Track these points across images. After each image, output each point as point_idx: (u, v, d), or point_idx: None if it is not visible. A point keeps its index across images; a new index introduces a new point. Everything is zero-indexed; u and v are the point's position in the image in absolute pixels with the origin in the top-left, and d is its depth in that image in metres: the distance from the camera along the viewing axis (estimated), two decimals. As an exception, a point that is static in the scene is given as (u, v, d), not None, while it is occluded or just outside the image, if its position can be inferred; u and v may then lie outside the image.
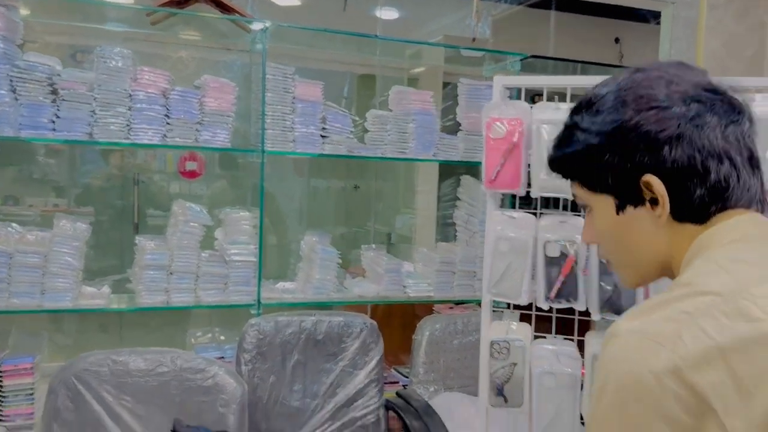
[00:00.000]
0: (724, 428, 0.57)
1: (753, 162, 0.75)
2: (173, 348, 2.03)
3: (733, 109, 0.74)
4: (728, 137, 0.72)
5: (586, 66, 4.26)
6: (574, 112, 0.82)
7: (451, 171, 3.52)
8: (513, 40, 4.54)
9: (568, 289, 1.75)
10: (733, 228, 0.72)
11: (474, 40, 3.71)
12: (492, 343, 1.77)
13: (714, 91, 0.74)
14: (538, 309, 1.83)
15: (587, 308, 1.77)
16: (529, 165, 1.82)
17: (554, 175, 1.73)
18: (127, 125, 2.33)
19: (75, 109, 2.27)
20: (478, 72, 3.11)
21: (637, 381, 0.60)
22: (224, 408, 1.88)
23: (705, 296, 0.62)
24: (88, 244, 2.42)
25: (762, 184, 0.76)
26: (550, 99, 1.84)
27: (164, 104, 2.37)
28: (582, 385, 1.73)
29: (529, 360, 1.74)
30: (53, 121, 2.26)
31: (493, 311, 1.95)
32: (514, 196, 1.99)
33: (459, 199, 2.96)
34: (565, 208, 1.97)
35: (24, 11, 2.68)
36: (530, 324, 1.85)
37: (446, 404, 2.49)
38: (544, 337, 1.85)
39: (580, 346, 1.84)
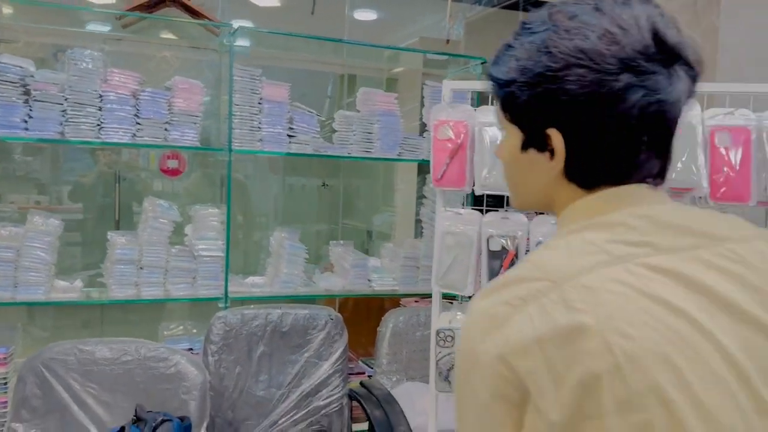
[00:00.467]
0: (538, 409, 0.62)
1: (662, 140, 0.73)
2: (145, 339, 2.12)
3: (668, 83, 0.70)
4: (645, 114, 0.69)
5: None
6: (515, 35, 0.78)
7: (421, 169, 3.62)
8: (486, 42, 4.64)
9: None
10: (606, 203, 0.73)
11: (448, 42, 3.81)
12: (438, 332, 1.87)
13: (656, 59, 0.69)
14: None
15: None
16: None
17: (495, 173, 1.84)
18: (98, 125, 2.42)
19: (47, 109, 2.36)
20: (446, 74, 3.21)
21: (475, 359, 0.66)
22: (186, 395, 1.98)
23: (540, 282, 0.65)
24: (65, 240, 2.51)
25: (665, 162, 0.75)
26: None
27: (134, 105, 2.46)
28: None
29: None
30: (26, 121, 2.34)
31: (447, 302, 2.06)
32: (477, 196, 2.09)
33: (425, 197, 3.07)
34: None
35: (6, 10, 2.77)
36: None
37: (407, 393, 2.60)
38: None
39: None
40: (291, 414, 2.48)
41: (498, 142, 1.91)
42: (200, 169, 3.75)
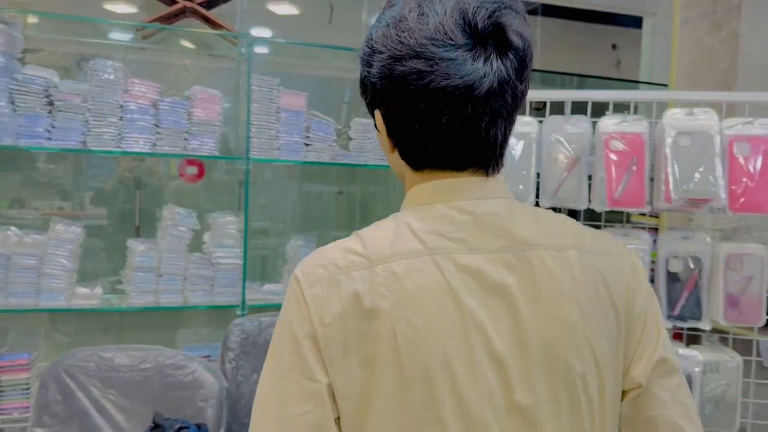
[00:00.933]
0: (327, 374, 0.70)
1: (469, 124, 0.72)
2: (163, 346, 2.14)
3: (470, 67, 0.70)
4: (436, 97, 0.70)
5: (577, 77, 4.34)
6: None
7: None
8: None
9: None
10: (435, 193, 0.76)
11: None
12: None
13: (455, 44, 0.70)
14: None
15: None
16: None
17: (511, 182, 1.84)
18: (119, 134, 2.46)
19: (70, 119, 2.40)
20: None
21: (285, 314, 0.74)
22: (203, 402, 2.00)
23: (358, 257, 0.72)
24: (86, 246, 2.55)
25: (489, 150, 0.75)
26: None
27: (154, 114, 2.50)
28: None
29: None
30: (49, 131, 2.39)
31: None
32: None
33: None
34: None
35: (32, 20, 2.83)
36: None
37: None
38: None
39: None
40: (307, 421, 2.49)
41: (512, 150, 1.92)
42: (219, 175, 3.79)
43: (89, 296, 2.53)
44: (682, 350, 1.76)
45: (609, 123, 1.76)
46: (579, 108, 1.87)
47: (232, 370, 2.40)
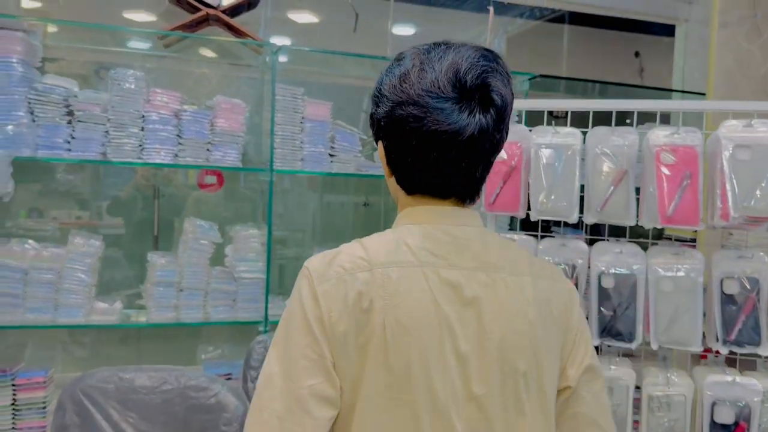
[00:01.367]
0: (333, 356, 0.84)
1: (453, 161, 0.89)
2: (184, 363, 2.06)
3: (457, 116, 0.86)
4: (426, 138, 0.87)
5: (599, 85, 4.23)
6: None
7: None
8: (529, 56, 4.54)
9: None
10: (426, 216, 0.93)
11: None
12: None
13: (447, 96, 0.86)
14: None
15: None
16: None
17: (553, 198, 1.74)
18: (140, 145, 2.39)
19: (90, 130, 2.34)
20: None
21: (295, 303, 0.87)
22: (227, 426, 1.90)
23: (362, 261, 0.87)
24: (105, 256, 2.48)
25: (472, 183, 0.93)
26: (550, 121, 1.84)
27: (176, 125, 2.43)
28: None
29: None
30: (69, 142, 2.33)
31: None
32: (514, 219, 1.99)
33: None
34: (583, 228, 1.96)
35: (51, 29, 2.77)
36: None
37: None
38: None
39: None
40: (332, 443, 2.39)
41: (554, 163, 1.82)
42: (239, 185, 3.72)
43: (108, 311, 2.46)
44: (739, 378, 1.64)
45: (660, 135, 1.66)
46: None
47: (254, 390, 2.31)
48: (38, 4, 3.18)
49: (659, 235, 2.19)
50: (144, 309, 2.53)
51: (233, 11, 2.67)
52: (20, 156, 2.24)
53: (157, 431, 1.91)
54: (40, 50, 2.41)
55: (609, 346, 1.79)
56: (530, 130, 1.81)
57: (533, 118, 1.96)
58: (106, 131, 2.36)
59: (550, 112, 1.94)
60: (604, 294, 1.71)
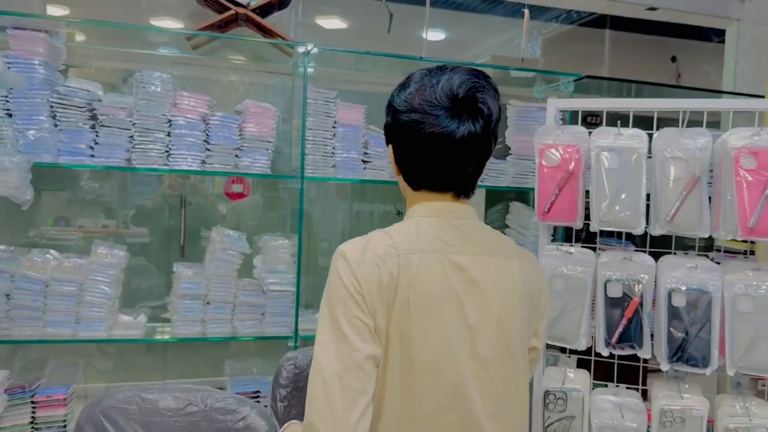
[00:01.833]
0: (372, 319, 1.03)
1: (448, 160, 1.08)
2: (210, 375, 1.93)
3: (448, 122, 1.06)
4: (423, 139, 1.07)
5: (642, 87, 4.05)
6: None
7: (499, 196, 3.35)
8: (563, 60, 4.37)
9: (632, 334, 1.58)
10: (434, 210, 1.12)
11: (523, 60, 3.56)
12: (547, 393, 1.60)
13: (442, 106, 1.07)
14: (597, 354, 1.66)
15: (653, 356, 1.59)
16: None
17: (617, 207, 1.58)
18: (166, 151, 2.28)
19: (114, 135, 2.23)
20: (528, 93, 2.96)
21: (337, 283, 1.03)
22: (256, 452, 1.76)
23: (391, 248, 1.05)
24: (130, 265, 2.38)
25: (465, 180, 1.12)
26: (610, 123, 1.68)
27: (204, 130, 2.32)
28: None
29: (588, 413, 1.56)
30: (92, 147, 2.22)
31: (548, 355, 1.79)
32: (568, 228, 1.83)
33: (508, 226, 2.81)
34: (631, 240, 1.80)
35: (79, 37, 2.69)
36: (589, 371, 1.68)
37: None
38: (605, 386, 1.67)
39: (644, 394, 1.67)
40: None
41: (617, 167, 1.66)
42: (266, 193, 3.61)
43: (132, 325, 2.34)
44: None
45: (739, 136, 1.49)
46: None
47: (283, 410, 2.17)
48: (65, 11, 3.11)
49: (709, 246, 2.01)
50: (169, 323, 2.40)
51: (264, 11, 2.56)
52: (41, 162, 2.14)
53: (181, 457, 1.78)
54: (64, 52, 2.32)
55: (676, 370, 1.62)
56: (590, 133, 1.65)
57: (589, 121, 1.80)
58: (131, 136, 2.25)
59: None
60: (674, 313, 1.54)
